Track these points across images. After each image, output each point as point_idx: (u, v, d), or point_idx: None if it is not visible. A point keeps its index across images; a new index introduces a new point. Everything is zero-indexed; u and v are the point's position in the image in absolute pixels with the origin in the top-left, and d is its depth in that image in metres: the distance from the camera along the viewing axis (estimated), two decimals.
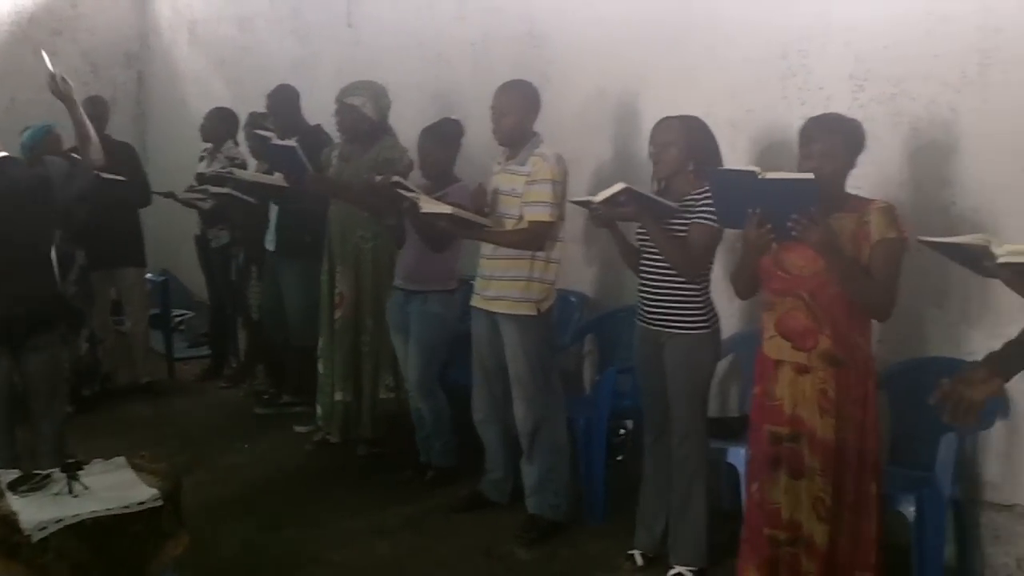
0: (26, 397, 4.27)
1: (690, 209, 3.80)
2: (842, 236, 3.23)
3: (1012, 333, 3.66)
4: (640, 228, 3.94)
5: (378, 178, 4.63)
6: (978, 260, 2.16)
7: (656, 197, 3.77)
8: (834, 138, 3.27)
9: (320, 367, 5.43)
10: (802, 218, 3.09)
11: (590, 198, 3.82)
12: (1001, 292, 3.60)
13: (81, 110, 4.21)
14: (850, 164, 3.33)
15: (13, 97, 8.23)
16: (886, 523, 3.50)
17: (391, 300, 5.04)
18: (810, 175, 3.12)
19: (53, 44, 8.80)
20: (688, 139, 3.85)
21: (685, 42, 4.70)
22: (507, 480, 4.73)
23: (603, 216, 3.85)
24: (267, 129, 5.71)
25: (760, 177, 3.12)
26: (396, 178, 4.53)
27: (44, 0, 8.90)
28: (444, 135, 4.86)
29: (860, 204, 3.30)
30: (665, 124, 3.90)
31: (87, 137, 4.18)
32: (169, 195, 6.73)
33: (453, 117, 4.96)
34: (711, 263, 3.91)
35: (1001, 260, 2.07)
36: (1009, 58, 3.63)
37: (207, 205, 6.51)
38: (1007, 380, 2.50)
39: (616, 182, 4.55)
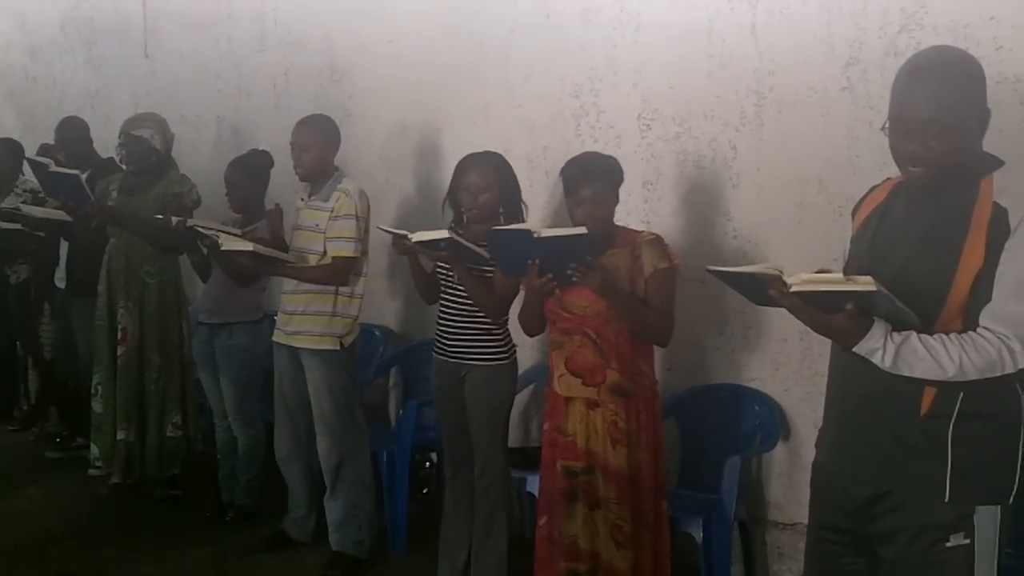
0: None
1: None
2: (618, 272, 3.31)
3: (786, 359, 3.87)
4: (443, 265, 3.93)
5: (174, 220, 4.44)
6: (763, 290, 2.22)
7: (472, 247, 3.70)
8: (601, 182, 3.34)
9: (98, 406, 5.13)
10: (581, 267, 3.14)
11: (405, 232, 3.73)
12: (776, 320, 3.79)
13: None
14: (616, 201, 3.42)
15: None
16: (675, 544, 3.58)
17: (197, 337, 4.87)
18: (583, 229, 3.16)
19: None
20: (501, 184, 3.85)
21: (482, 79, 4.73)
22: (310, 518, 4.62)
23: (403, 245, 3.78)
24: (57, 161, 5.42)
25: (536, 236, 3.16)
26: (191, 221, 4.40)
27: None
28: (253, 167, 4.72)
29: (630, 237, 3.39)
30: (479, 168, 3.83)
31: None
32: None
33: (261, 148, 4.84)
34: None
35: (794, 289, 2.15)
36: (782, 99, 3.81)
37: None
38: None
39: (419, 215, 4.59)
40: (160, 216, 4.58)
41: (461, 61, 4.80)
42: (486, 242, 3.53)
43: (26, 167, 6.30)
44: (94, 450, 5.19)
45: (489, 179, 3.82)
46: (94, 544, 4.70)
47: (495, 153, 3.91)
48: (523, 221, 3.89)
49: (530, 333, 3.68)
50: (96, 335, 5.13)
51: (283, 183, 4.84)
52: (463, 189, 3.85)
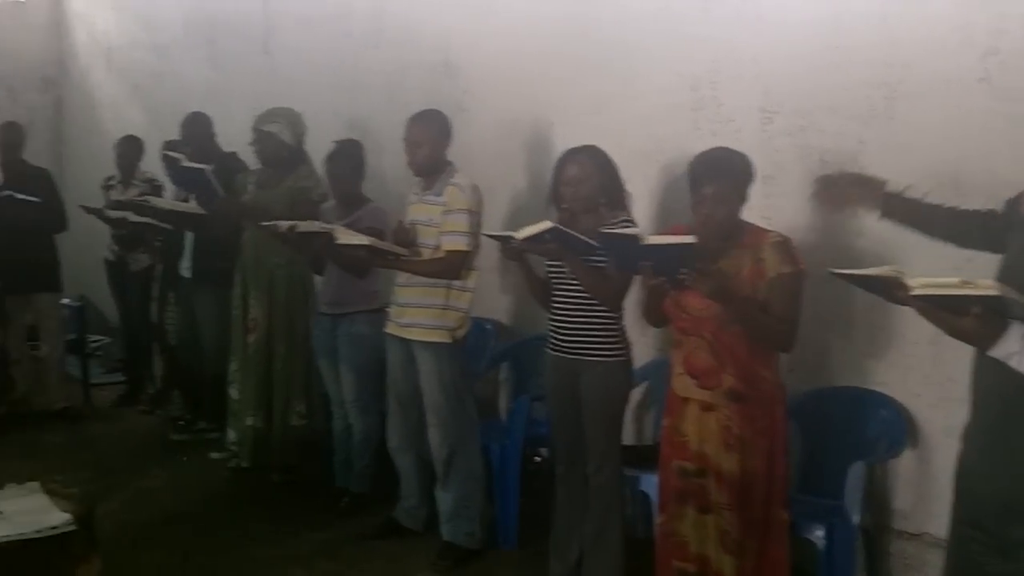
0: None
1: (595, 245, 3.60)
2: (739, 273, 3.10)
3: (917, 363, 3.59)
4: (553, 261, 3.76)
5: (284, 228, 4.33)
6: (891, 290, 2.08)
7: (579, 235, 3.54)
8: (724, 181, 3.12)
9: (233, 392, 5.15)
10: (690, 272, 2.96)
11: (511, 233, 3.59)
12: (906, 323, 3.53)
13: None
14: (742, 199, 3.19)
15: None
16: (795, 551, 3.37)
17: (317, 327, 4.82)
18: (691, 239, 2.97)
19: None
20: (601, 174, 3.70)
21: (597, 73, 4.54)
22: (421, 508, 4.51)
23: (515, 249, 3.63)
24: (184, 156, 5.42)
25: (643, 243, 3.02)
26: (303, 227, 4.29)
27: None
28: (353, 157, 4.66)
29: (756, 237, 3.16)
30: (577, 160, 3.71)
31: None
32: (96, 211, 6.30)
33: (353, 138, 4.77)
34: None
35: (914, 293, 1.97)
36: (914, 91, 3.53)
37: (126, 229, 6.19)
38: (881, 212, 2.61)
39: (531, 210, 4.42)
40: (268, 224, 4.47)
41: (576, 54, 4.61)
42: (599, 244, 3.39)
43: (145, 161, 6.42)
44: (231, 435, 5.21)
45: (587, 170, 3.68)
46: (213, 525, 4.70)
47: (592, 145, 3.75)
48: (626, 211, 3.75)
49: (653, 325, 3.53)
50: (232, 324, 5.14)
51: (396, 177, 4.74)
52: (563, 183, 3.71)
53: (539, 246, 3.56)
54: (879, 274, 2.14)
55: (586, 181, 3.66)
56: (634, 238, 3.06)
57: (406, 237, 4.19)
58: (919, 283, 2.00)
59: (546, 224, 3.48)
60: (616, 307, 3.68)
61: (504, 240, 3.63)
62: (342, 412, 4.83)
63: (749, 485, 3.16)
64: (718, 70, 4.08)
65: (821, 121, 3.77)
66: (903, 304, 2.09)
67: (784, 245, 3.12)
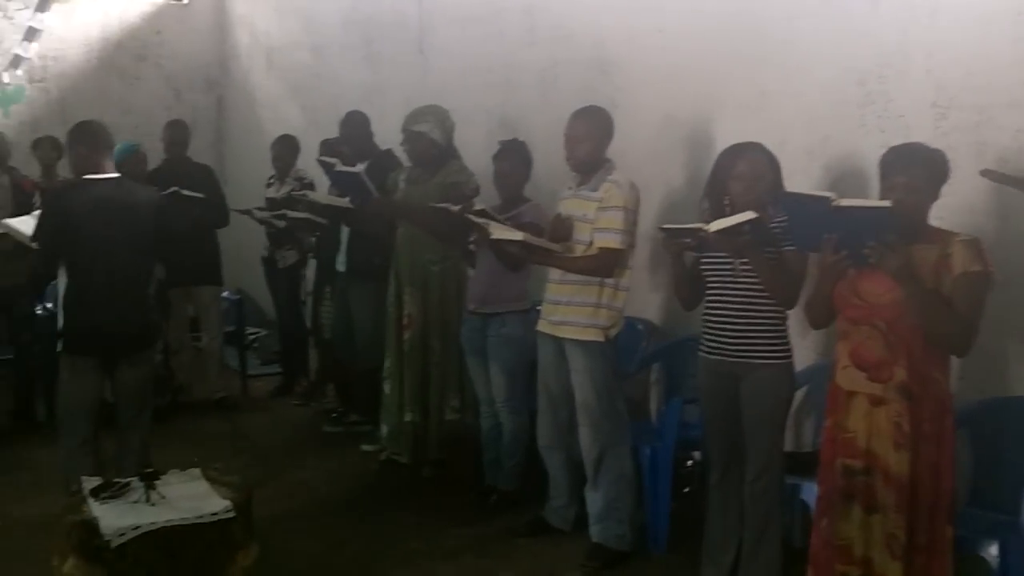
0: (117, 409, 4.37)
1: (779, 237, 3.54)
2: (923, 267, 2.98)
3: None
4: (709, 258, 3.70)
5: (455, 208, 4.42)
6: None
7: (770, 227, 3.49)
8: (917, 170, 3.02)
9: (386, 388, 5.25)
10: (879, 245, 2.87)
11: (700, 225, 3.52)
12: None
13: None
14: (933, 196, 3.08)
15: (100, 120, 8.12)
16: (965, 567, 3.22)
17: (466, 326, 4.86)
18: (887, 203, 2.90)
19: (137, 69, 8.89)
20: (772, 173, 3.63)
21: (758, 68, 4.44)
22: (570, 507, 4.51)
23: (680, 242, 3.60)
24: (341, 154, 5.57)
25: (834, 204, 2.89)
26: (480, 207, 4.38)
27: (130, 27, 8.86)
28: (525, 155, 4.72)
29: (942, 236, 3.04)
30: (751, 156, 3.64)
31: None
32: (246, 212, 6.59)
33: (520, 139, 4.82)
34: None
35: None
36: None
37: (281, 224, 6.39)
38: None
39: (686, 207, 4.35)
40: (442, 205, 4.57)
41: (736, 49, 4.52)
42: (782, 207, 3.36)
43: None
44: (384, 429, 5.30)
45: (761, 168, 3.62)
46: (365, 517, 4.79)
47: (759, 143, 3.68)
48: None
49: (816, 323, 3.39)
50: (388, 321, 5.24)
51: (547, 173, 4.76)
52: (734, 178, 3.64)
53: (729, 240, 3.46)
54: None
55: (761, 179, 3.60)
56: (825, 199, 2.93)
57: (564, 229, 4.19)
58: None
59: (748, 214, 3.39)
60: (793, 304, 3.58)
61: (691, 233, 3.55)
62: (491, 411, 4.87)
63: (916, 490, 3.03)
64: (887, 64, 3.93)
65: (999, 117, 3.59)
66: None
67: (975, 244, 3.01)
